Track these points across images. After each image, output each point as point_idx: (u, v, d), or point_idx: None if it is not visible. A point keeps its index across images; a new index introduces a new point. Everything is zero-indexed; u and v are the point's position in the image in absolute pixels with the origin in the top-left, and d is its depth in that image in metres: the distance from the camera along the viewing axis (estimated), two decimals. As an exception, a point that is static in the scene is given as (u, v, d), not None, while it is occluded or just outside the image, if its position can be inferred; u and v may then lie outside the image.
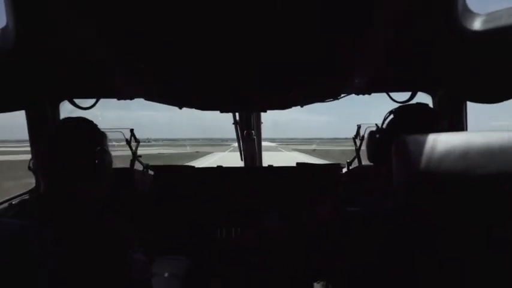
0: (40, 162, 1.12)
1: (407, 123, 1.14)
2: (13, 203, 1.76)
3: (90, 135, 1.16)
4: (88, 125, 1.19)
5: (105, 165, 1.17)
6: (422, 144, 0.67)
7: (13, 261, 0.71)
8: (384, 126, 1.21)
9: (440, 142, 0.66)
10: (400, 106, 1.22)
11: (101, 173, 1.16)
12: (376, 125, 1.27)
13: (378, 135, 1.22)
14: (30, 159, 1.25)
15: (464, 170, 0.62)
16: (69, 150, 1.09)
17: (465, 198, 0.62)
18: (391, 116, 1.21)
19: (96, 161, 1.12)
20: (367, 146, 1.30)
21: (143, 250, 1.08)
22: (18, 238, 0.75)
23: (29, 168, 1.26)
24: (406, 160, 0.68)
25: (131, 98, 1.98)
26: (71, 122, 1.19)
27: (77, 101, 1.99)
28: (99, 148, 1.13)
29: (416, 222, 0.68)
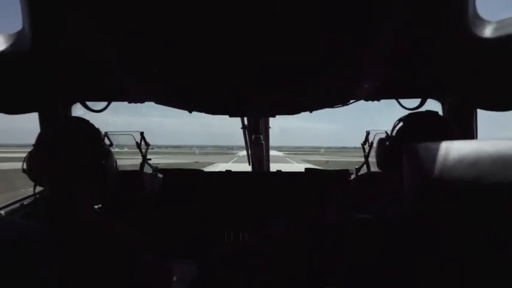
0: (40, 164, 1.13)
1: (417, 131, 1.14)
2: (25, 203, 1.79)
3: (88, 136, 1.16)
4: (86, 126, 1.19)
5: (105, 166, 1.17)
6: (433, 152, 0.67)
7: (13, 261, 0.72)
8: (394, 133, 1.21)
9: (452, 150, 0.66)
10: (409, 114, 1.22)
11: (101, 174, 1.16)
12: (386, 132, 1.27)
13: (387, 143, 1.22)
14: (23, 161, 1.23)
15: (476, 178, 0.62)
16: (66, 152, 1.09)
17: (476, 206, 0.62)
18: (401, 124, 1.21)
19: (96, 162, 1.12)
20: (377, 153, 1.30)
21: (152, 253, 1.08)
22: (19, 238, 0.75)
23: (23, 170, 1.24)
24: (417, 167, 0.68)
25: (142, 102, 2.01)
26: (69, 123, 1.21)
27: (89, 104, 2.03)
28: (100, 149, 1.14)
29: (427, 230, 0.68)
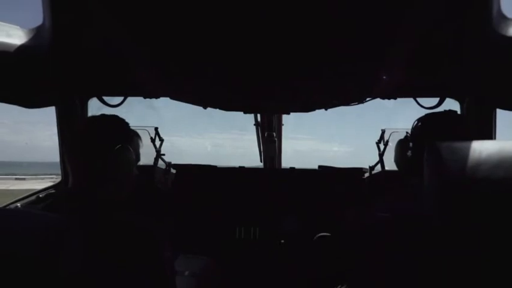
0: (66, 158, 1.12)
1: (437, 132, 1.11)
2: (40, 196, 1.82)
3: (117, 133, 1.12)
4: (117, 123, 1.15)
5: (121, 163, 1.11)
6: (455, 152, 0.66)
7: (41, 255, 0.72)
8: (413, 134, 1.19)
9: (475, 150, 0.65)
10: (428, 114, 1.20)
11: (117, 171, 1.10)
12: (407, 132, 1.24)
13: (407, 144, 1.20)
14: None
15: (501, 179, 0.61)
16: (92, 147, 1.07)
17: (501, 208, 0.61)
18: (420, 124, 1.19)
19: (113, 160, 1.07)
20: (396, 155, 1.28)
21: (171, 248, 1.08)
22: (51, 231, 0.75)
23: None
24: (439, 167, 0.67)
25: (157, 97, 2.02)
26: (101, 119, 1.16)
27: (105, 99, 2.04)
28: (118, 146, 1.08)
29: (447, 230, 0.67)
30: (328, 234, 1.50)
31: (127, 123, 1.17)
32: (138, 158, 1.20)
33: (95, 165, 1.06)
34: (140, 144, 1.21)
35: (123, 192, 1.14)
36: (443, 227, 0.67)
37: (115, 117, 1.17)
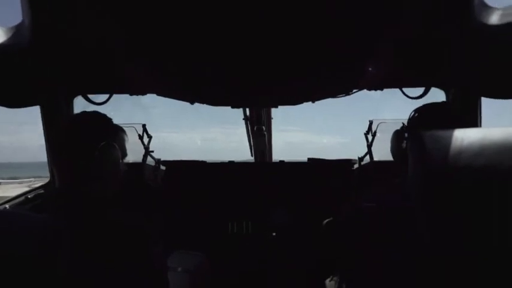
0: (52, 157, 1.10)
1: (433, 122, 1.12)
2: (29, 196, 1.80)
3: (100, 130, 1.09)
4: (99, 120, 1.13)
5: (106, 161, 1.08)
6: (438, 140, 0.66)
7: (32, 254, 0.71)
8: (409, 125, 1.20)
9: (458, 138, 0.65)
10: (425, 105, 1.21)
11: (103, 168, 1.08)
12: (403, 123, 1.26)
13: (402, 135, 1.21)
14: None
15: (483, 167, 0.61)
16: (75, 146, 1.05)
17: (483, 196, 0.61)
18: (416, 115, 1.19)
19: (97, 157, 1.04)
20: (392, 145, 1.28)
21: (162, 244, 1.07)
22: (39, 231, 0.75)
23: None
24: (422, 156, 0.67)
25: (144, 94, 2.00)
26: (83, 116, 1.14)
27: (90, 96, 2.02)
28: (103, 143, 1.05)
29: (432, 219, 0.67)
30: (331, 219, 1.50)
31: (110, 119, 1.14)
32: (124, 154, 1.17)
33: (79, 163, 1.04)
34: (126, 139, 1.18)
35: (110, 189, 1.12)
36: (427, 217, 0.68)
37: (96, 114, 1.14)
